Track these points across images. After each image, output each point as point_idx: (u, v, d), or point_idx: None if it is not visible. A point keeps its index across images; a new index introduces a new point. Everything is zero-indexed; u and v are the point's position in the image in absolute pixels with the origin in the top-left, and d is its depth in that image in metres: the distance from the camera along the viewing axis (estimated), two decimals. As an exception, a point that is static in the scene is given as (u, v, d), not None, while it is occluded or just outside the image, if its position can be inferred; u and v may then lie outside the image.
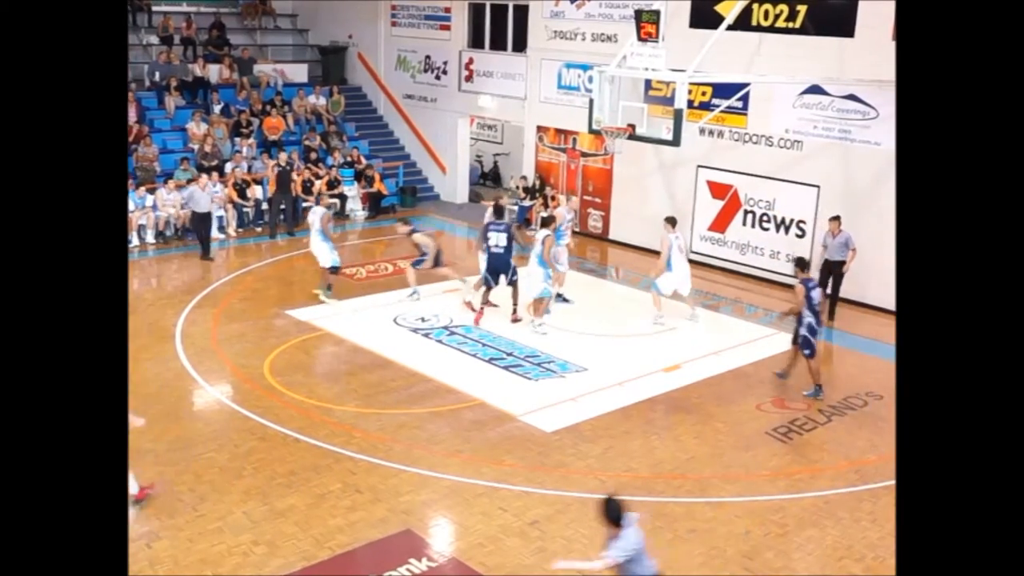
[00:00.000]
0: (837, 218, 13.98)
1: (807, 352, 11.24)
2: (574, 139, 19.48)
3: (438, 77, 22.50)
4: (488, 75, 21.27)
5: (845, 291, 14.33)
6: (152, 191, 17.85)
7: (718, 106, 15.92)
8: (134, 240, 17.24)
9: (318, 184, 19.65)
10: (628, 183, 18.56)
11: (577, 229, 18.93)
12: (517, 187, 20.41)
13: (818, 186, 15.52)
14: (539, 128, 20.26)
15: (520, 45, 20.49)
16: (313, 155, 20.60)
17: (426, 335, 13.00)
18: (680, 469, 9.47)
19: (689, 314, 13.84)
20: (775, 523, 8.46)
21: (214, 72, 21.91)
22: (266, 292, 14.88)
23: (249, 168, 19.48)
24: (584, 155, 19.41)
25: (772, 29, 15.54)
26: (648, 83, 16.53)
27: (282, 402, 10.66)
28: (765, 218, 16.42)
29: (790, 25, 15.37)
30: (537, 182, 20.14)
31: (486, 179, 24.76)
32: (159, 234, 17.71)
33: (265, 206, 19.00)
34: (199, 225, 16.92)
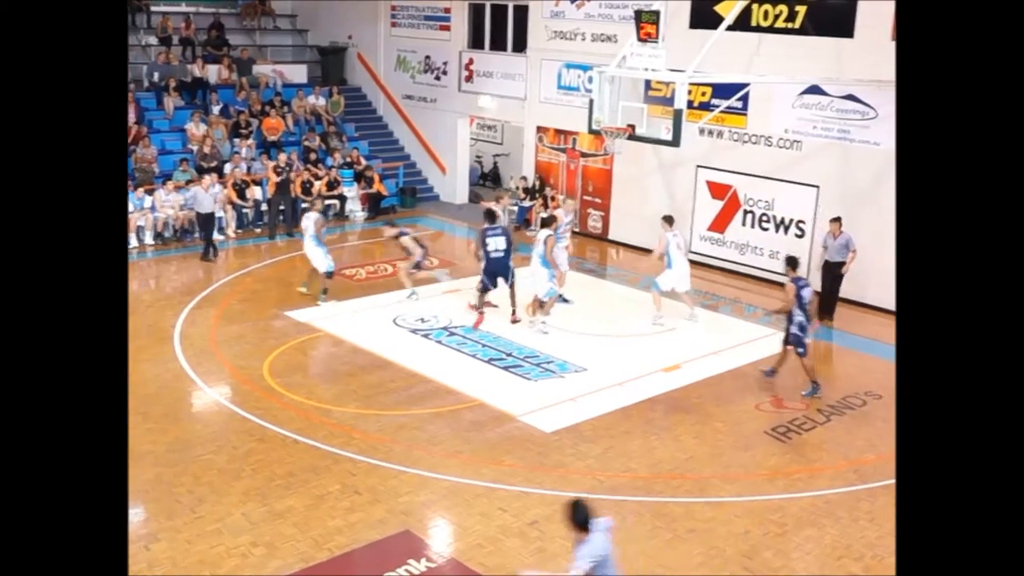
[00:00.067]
0: (838, 219, 13.97)
1: (800, 351, 11.27)
2: (574, 139, 19.47)
3: (438, 78, 22.49)
4: (488, 75, 21.27)
5: (844, 291, 14.33)
6: (151, 192, 17.84)
7: (718, 106, 15.92)
8: (132, 241, 17.23)
9: (318, 185, 19.66)
10: (628, 183, 18.55)
11: (577, 229, 18.94)
12: (517, 187, 20.40)
13: (817, 186, 15.52)
14: (539, 128, 20.25)
15: (520, 45, 20.49)
16: (313, 156, 20.60)
17: (425, 336, 13.00)
18: (679, 469, 9.46)
19: (688, 314, 13.85)
20: (774, 523, 8.46)
21: (213, 73, 21.90)
22: (265, 293, 14.87)
23: (248, 169, 19.48)
24: (584, 155, 19.40)
25: (771, 29, 15.54)
26: (648, 83, 16.53)
27: (281, 403, 10.66)
28: (764, 218, 16.42)
29: (789, 25, 15.37)
30: (537, 183, 20.13)
31: (486, 180, 24.75)
32: (158, 235, 17.71)
33: (264, 207, 19.01)
34: (204, 226, 16.95)
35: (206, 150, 19.32)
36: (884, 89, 13.93)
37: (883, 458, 9.76)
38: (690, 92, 15.44)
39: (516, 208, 19.73)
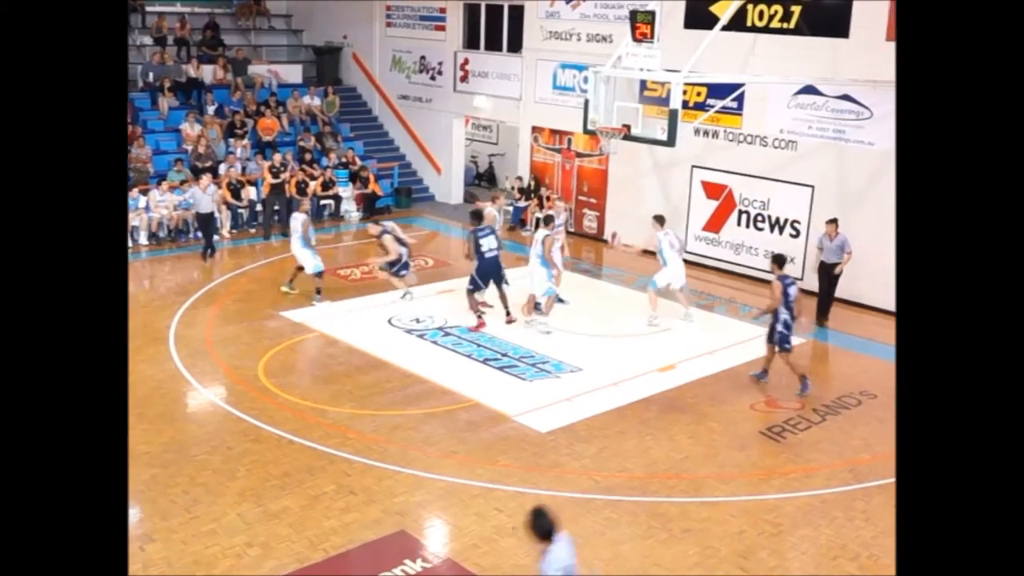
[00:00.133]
0: (834, 221, 13.97)
1: (786, 347, 11.32)
2: (569, 139, 19.48)
3: (433, 78, 22.49)
4: (483, 76, 21.26)
5: (839, 290, 14.34)
6: (145, 192, 17.81)
7: (713, 106, 15.95)
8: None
9: (313, 185, 19.65)
10: (623, 183, 18.56)
11: (572, 229, 18.97)
12: (512, 188, 20.41)
13: (812, 186, 15.54)
14: (534, 128, 20.25)
15: (515, 46, 20.49)
16: (308, 156, 20.57)
17: (421, 336, 12.99)
18: (675, 469, 9.47)
19: (683, 313, 13.87)
20: (769, 522, 8.47)
21: (208, 73, 21.87)
22: (260, 294, 14.85)
23: (243, 169, 19.46)
24: (579, 156, 19.41)
25: (766, 30, 15.56)
26: (643, 83, 16.48)
27: (276, 404, 10.65)
28: (760, 218, 16.44)
29: (784, 26, 15.39)
30: (532, 183, 20.13)
31: (481, 180, 24.76)
32: (152, 236, 17.68)
33: (259, 207, 18.98)
34: (204, 226, 16.95)
35: (201, 150, 19.29)
36: (879, 89, 13.96)
37: (878, 457, 9.78)
38: (685, 92, 15.45)
39: (511, 208, 19.73)
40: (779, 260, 11.63)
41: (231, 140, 20.19)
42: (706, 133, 16.84)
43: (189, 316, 13.60)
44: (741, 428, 10.50)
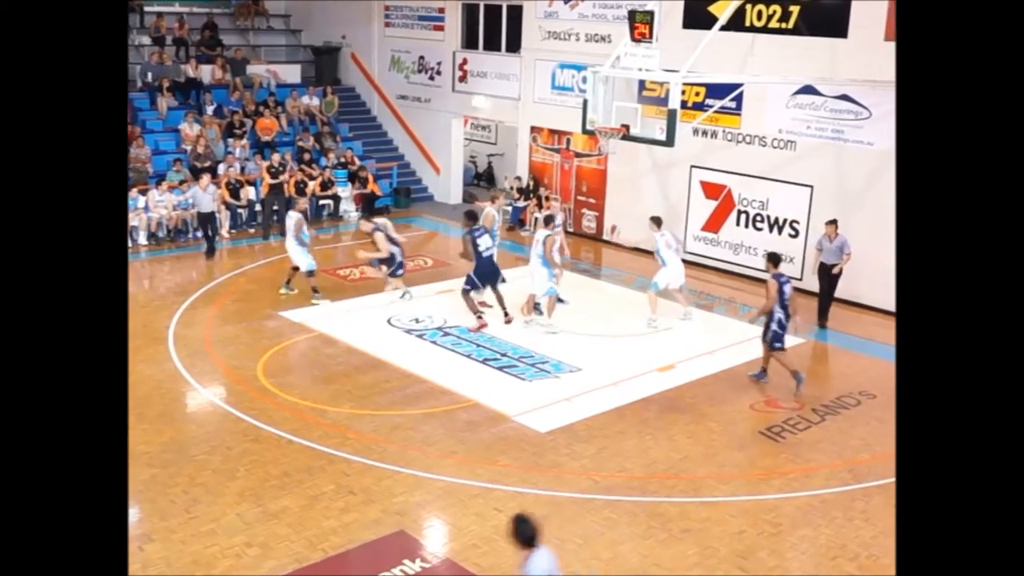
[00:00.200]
0: (834, 222, 13.96)
1: (777, 346, 11.34)
2: (568, 139, 19.48)
3: (432, 78, 22.49)
4: (482, 76, 21.26)
5: (838, 290, 14.33)
6: (144, 192, 17.80)
7: (712, 106, 15.95)
8: (127, 241, 17.23)
9: (311, 185, 19.64)
10: (622, 183, 18.56)
11: (571, 230, 18.97)
12: (511, 188, 20.41)
13: (811, 186, 15.55)
14: (533, 128, 20.25)
15: (514, 46, 20.49)
16: (307, 156, 20.57)
17: (420, 336, 12.99)
18: (674, 469, 9.47)
19: (683, 313, 13.87)
20: (769, 522, 8.47)
21: (207, 73, 21.86)
22: (259, 294, 14.84)
23: (242, 169, 19.45)
24: (578, 156, 19.41)
25: (765, 30, 15.57)
26: (642, 83, 16.52)
27: (275, 404, 10.64)
28: (759, 218, 16.44)
29: (783, 26, 15.39)
30: (531, 183, 20.14)
31: (480, 180, 24.76)
32: (151, 236, 17.67)
33: (258, 207, 18.97)
34: (205, 224, 16.95)
35: (200, 150, 19.28)
36: (878, 89, 13.97)
37: (878, 457, 9.79)
38: (684, 92, 15.47)
39: (510, 208, 19.73)
40: (774, 258, 11.66)
41: (230, 140, 20.18)
42: (705, 133, 16.84)
43: (188, 316, 13.60)
44: (740, 428, 10.50)
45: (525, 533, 5.63)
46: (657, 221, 13.72)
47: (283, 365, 11.94)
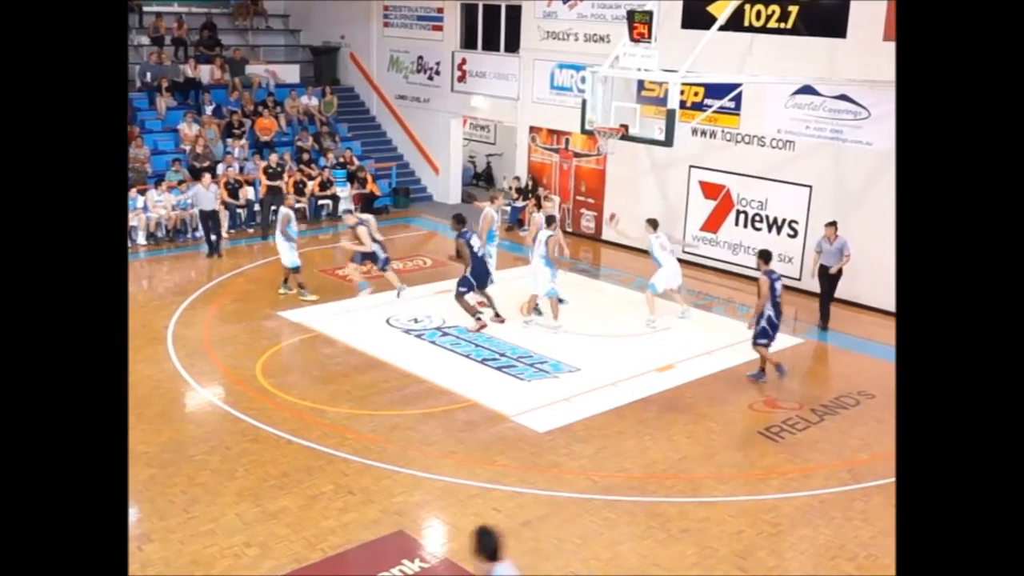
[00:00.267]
0: (834, 224, 13.94)
1: (760, 342, 11.45)
2: (567, 139, 19.48)
3: (431, 78, 22.49)
4: (481, 76, 21.26)
5: (838, 291, 14.33)
6: (143, 192, 17.79)
7: (710, 106, 15.94)
8: (125, 241, 17.23)
9: (310, 185, 19.63)
10: (621, 183, 18.56)
11: (569, 229, 18.98)
12: (510, 188, 20.40)
13: (810, 186, 15.55)
14: (532, 128, 20.25)
15: (513, 46, 20.49)
16: (306, 156, 20.57)
17: (419, 336, 12.99)
18: (673, 469, 9.47)
19: (681, 311, 13.88)
20: (768, 522, 8.47)
21: (205, 73, 21.86)
22: (258, 293, 14.84)
23: (241, 169, 19.44)
24: (577, 156, 19.41)
25: (764, 30, 15.57)
26: (641, 83, 16.53)
27: (274, 404, 10.64)
28: (757, 218, 16.44)
29: (782, 26, 15.39)
30: (530, 183, 20.13)
31: (479, 180, 24.76)
32: (150, 236, 17.66)
33: (257, 207, 18.96)
34: (207, 223, 16.96)
35: (199, 150, 19.27)
36: (877, 89, 13.98)
37: (877, 457, 9.79)
38: (683, 92, 15.45)
39: (509, 208, 19.73)
40: (765, 255, 11.71)
41: (229, 140, 20.17)
42: (704, 133, 16.84)
43: (187, 316, 13.59)
44: (739, 428, 10.51)
45: (489, 546, 5.46)
46: (653, 223, 13.74)
47: (282, 365, 11.94)
